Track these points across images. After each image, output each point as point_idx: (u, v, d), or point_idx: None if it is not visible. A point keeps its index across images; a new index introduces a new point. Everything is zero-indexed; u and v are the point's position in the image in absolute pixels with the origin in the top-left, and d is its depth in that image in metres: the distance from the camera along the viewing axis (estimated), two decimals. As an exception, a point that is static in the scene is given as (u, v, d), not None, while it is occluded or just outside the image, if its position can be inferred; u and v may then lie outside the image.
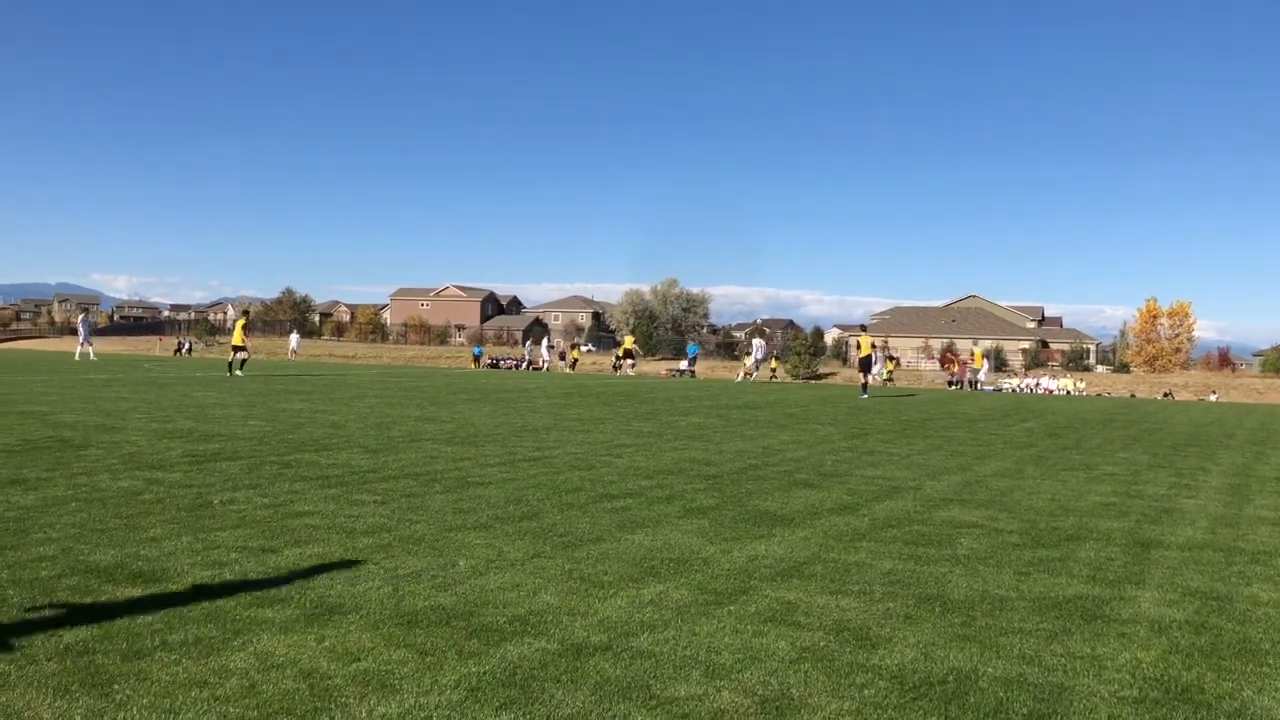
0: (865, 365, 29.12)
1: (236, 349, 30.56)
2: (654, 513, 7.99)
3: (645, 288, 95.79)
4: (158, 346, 71.59)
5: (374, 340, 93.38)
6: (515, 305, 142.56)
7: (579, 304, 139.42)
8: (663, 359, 58.40)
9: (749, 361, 46.09)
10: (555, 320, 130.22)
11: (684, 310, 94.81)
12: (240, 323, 32.30)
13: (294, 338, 63.51)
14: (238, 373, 29.24)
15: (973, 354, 49.56)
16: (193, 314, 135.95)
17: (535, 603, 5.19)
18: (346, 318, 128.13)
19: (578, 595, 5.36)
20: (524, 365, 57.79)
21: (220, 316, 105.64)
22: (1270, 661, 4.66)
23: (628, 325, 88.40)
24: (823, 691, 4.07)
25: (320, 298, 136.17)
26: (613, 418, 17.82)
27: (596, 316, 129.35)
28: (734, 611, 5.16)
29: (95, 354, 43.86)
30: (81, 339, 43.81)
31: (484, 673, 4.13)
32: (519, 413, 18.24)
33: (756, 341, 49.71)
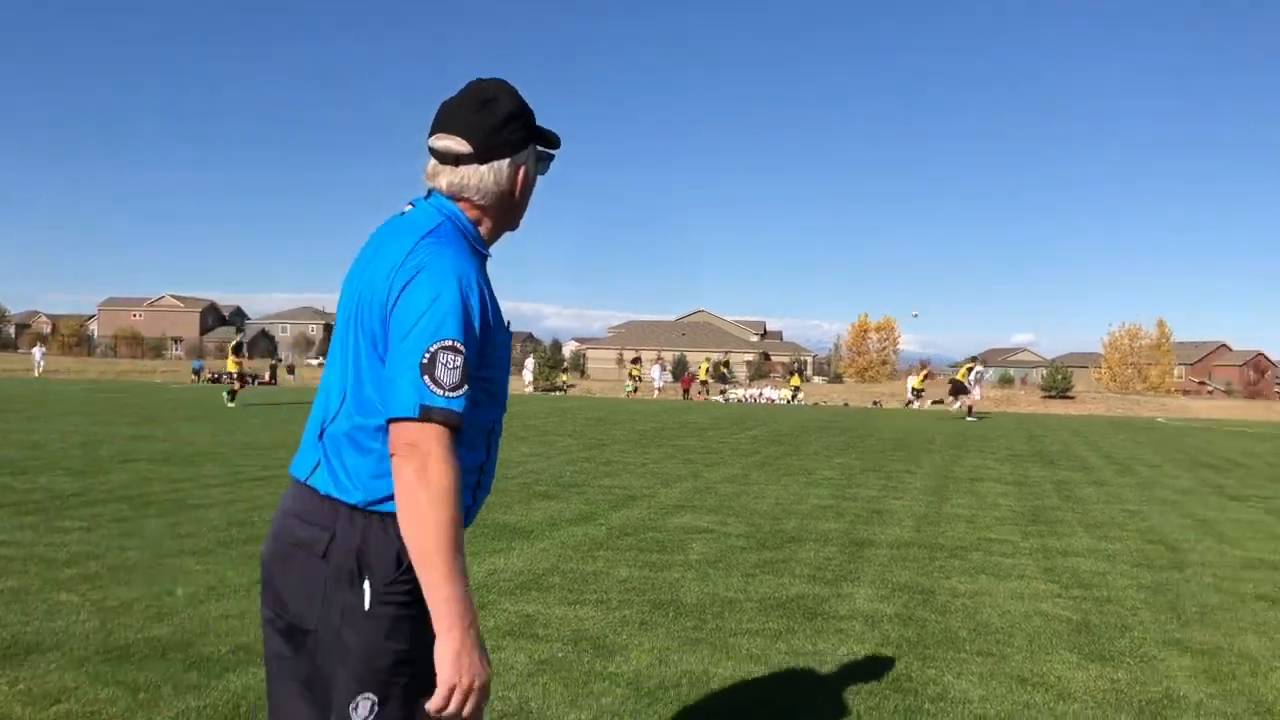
0: (959, 389, 32.88)
1: (233, 377, 27.41)
2: (389, 530, 7.77)
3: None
4: None
5: (80, 354, 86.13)
6: (239, 316, 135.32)
7: (310, 315, 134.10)
8: None
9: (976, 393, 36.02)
10: (283, 332, 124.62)
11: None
12: (231, 346, 29.02)
13: (38, 352, 57.75)
14: (230, 404, 26.10)
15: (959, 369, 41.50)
16: None
17: (260, 631, 4.93)
18: (48, 329, 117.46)
19: (308, 619, 5.13)
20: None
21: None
22: (967, 648, 5.10)
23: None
24: (561, 702, 4.10)
25: (15, 307, 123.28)
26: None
27: (328, 329, 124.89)
28: (472, 627, 5.09)
29: None
30: None
31: (204, 706, 3.88)
32: (244, 430, 17.32)
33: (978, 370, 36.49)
